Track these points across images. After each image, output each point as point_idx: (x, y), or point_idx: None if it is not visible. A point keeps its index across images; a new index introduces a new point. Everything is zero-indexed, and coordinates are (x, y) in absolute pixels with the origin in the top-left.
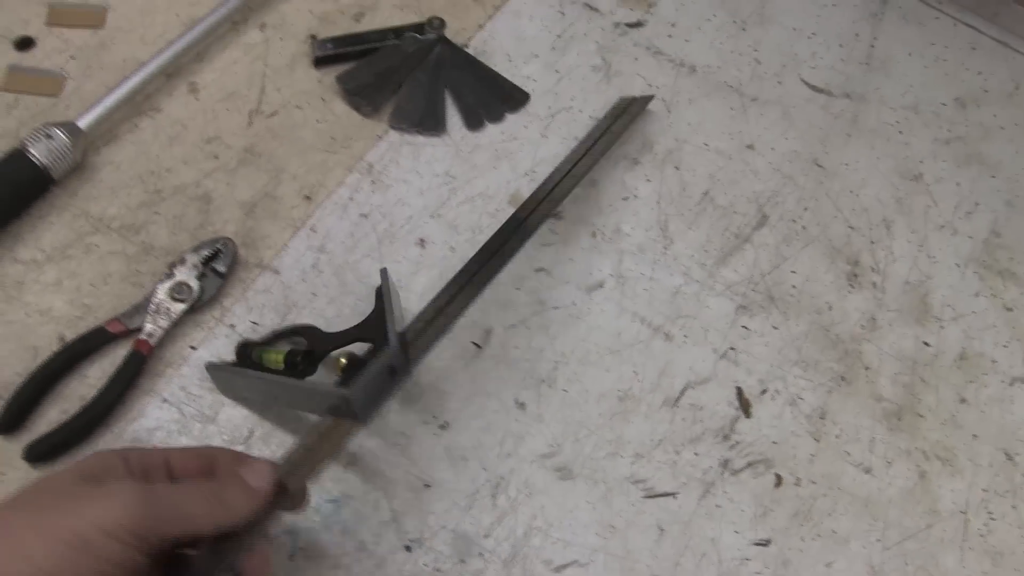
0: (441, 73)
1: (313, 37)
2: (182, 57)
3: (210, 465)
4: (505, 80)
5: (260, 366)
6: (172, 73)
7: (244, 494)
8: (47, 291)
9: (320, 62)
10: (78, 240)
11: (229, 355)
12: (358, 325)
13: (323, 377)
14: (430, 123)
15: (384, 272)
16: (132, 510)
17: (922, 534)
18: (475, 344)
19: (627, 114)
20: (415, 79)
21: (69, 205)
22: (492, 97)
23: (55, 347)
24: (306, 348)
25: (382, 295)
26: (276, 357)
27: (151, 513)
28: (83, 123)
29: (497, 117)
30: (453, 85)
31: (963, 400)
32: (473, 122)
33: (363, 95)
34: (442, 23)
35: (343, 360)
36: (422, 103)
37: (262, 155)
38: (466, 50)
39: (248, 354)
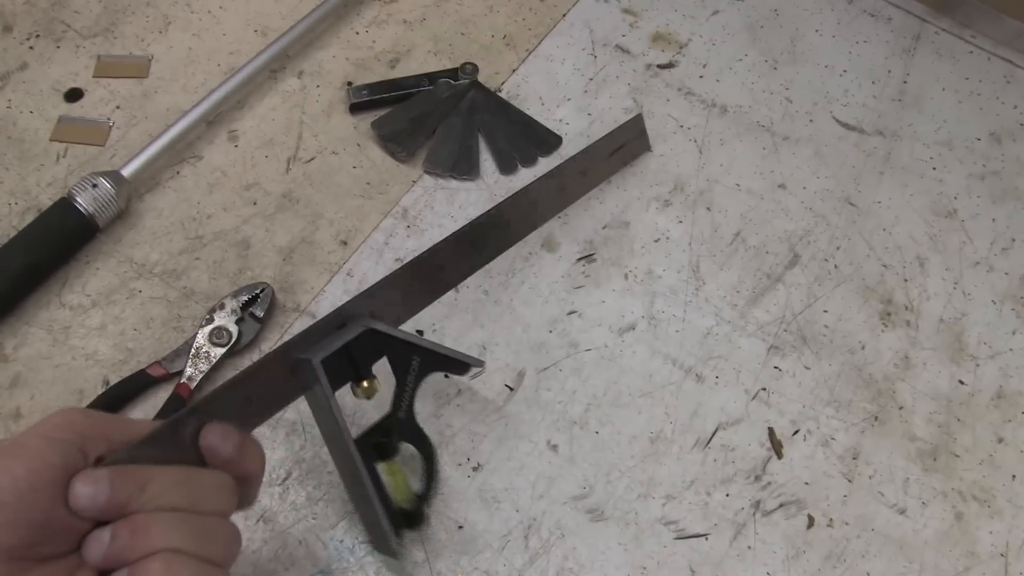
0: (474, 118)
1: (349, 84)
2: (222, 105)
3: None
4: (538, 124)
5: (374, 469)
6: (213, 121)
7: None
8: (92, 335)
9: (356, 108)
10: (122, 286)
11: None
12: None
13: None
14: (464, 167)
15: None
16: (73, 416)
17: None
18: (508, 387)
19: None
20: (449, 124)
21: (114, 251)
22: (525, 141)
23: (99, 390)
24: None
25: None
26: (401, 485)
27: (93, 421)
28: (127, 172)
29: (530, 161)
30: (486, 130)
31: (1001, 440)
32: (506, 166)
33: (398, 140)
34: (475, 68)
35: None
36: (456, 148)
37: (299, 201)
38: (499, 95)
39: (378, 444)
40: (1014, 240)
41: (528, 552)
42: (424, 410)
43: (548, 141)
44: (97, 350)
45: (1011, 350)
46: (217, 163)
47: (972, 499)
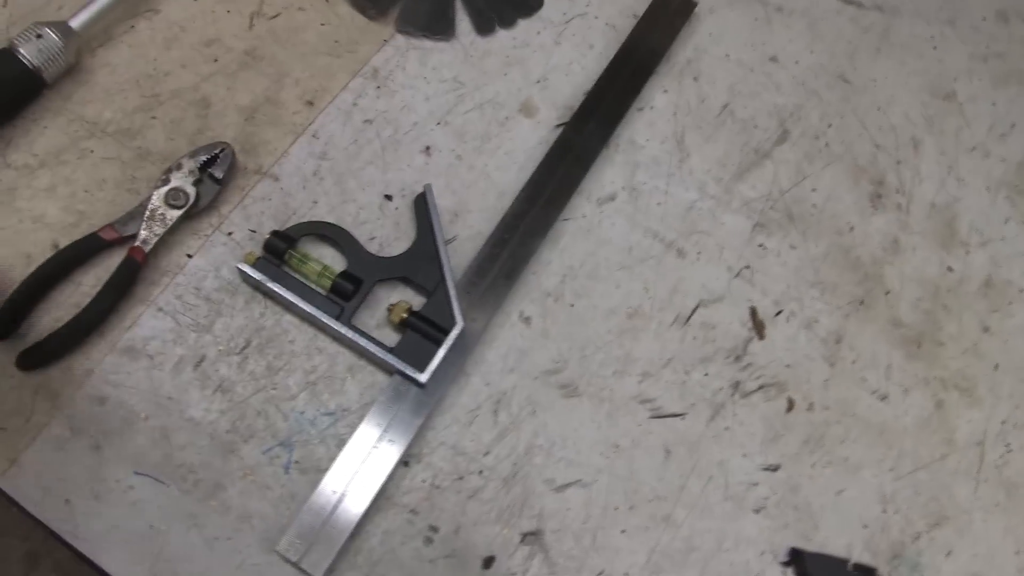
0: None
1: None
2: None
3: None
4: None
5: (296, 276)
6: None
7: None
8: (40, 197)
9: None
10: (72, 145)
11: (226, 264)
12: (406, 256)
13: (367, 317)
14: (439, 27)
15: (428, 191)
16: None
17: (936, 464)
18: (476, 253)
19: (670, 17)
20: None
21: (63, 109)
22: (504, 1)
23: (48, 254)
24: (346, 270)
25: (428, 219)
26: (320, 272)
27: None
28: (76, 23)
29: (509, 22)
30: None
31: (986, 329)
32: (484, 27)
33: None
34: None
35: (403, 315)
36: (430, 6)
37: (263, 59)
38: None
39: (280, 251)
40: (1014, 126)
41: (497, 427)
42: None
43: (528, 2)
44: (45, 212)
45: (1003, 238)
46: (175, 17)
47: (954, 388)
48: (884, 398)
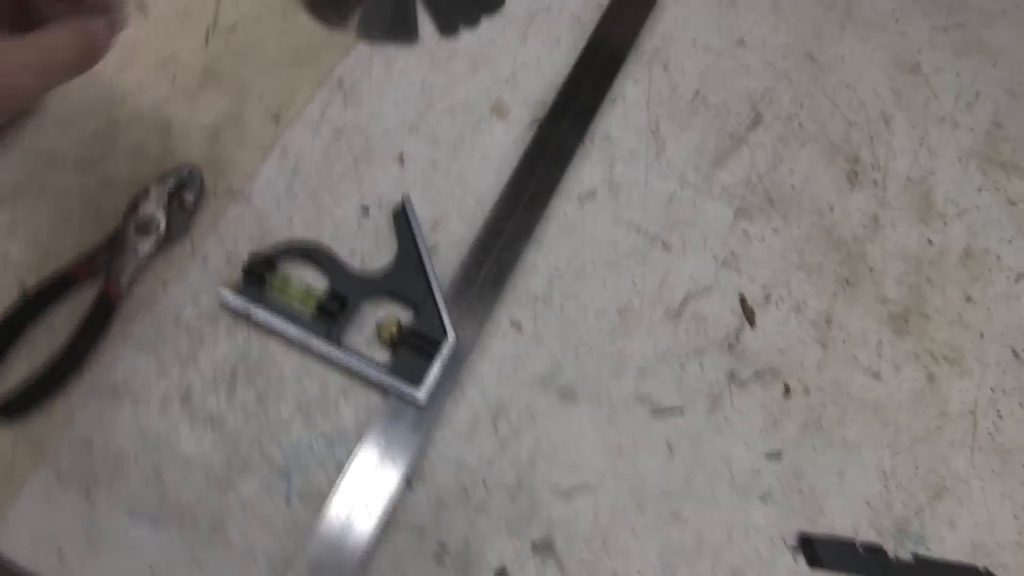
0: None
1: None
2: None
3: None
4: None
5: (279, 299)
6: None
7: None
8: (1, 236)
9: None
10: (30, 179)
11: (204, 292)
12: (390, 270)
13: (355, 335)
14: (401, 30)
15: (407, 201)
16: None
17: (932, 437)
18: (460, 261)
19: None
20: None
21: (16, 141)
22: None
23: (16, 296)
24: (330, 289)
25: (409, 231)
26: (303, 293)
27: None
28: None
29: (472, 21)
30: None
31: (969, 299)
32: (447, 27)
33: (327, 4)
34: None
35: (393, 330)
36: (391, 9)
37: (223, 75)
38: None
39: (260, 275)
40: (978, 94)
41: (498, 438)
42: None
43: None
44: (8, 252)
45: (977, 207)
46: (126, 37)
47: (943, 360)
48: (877, 375)
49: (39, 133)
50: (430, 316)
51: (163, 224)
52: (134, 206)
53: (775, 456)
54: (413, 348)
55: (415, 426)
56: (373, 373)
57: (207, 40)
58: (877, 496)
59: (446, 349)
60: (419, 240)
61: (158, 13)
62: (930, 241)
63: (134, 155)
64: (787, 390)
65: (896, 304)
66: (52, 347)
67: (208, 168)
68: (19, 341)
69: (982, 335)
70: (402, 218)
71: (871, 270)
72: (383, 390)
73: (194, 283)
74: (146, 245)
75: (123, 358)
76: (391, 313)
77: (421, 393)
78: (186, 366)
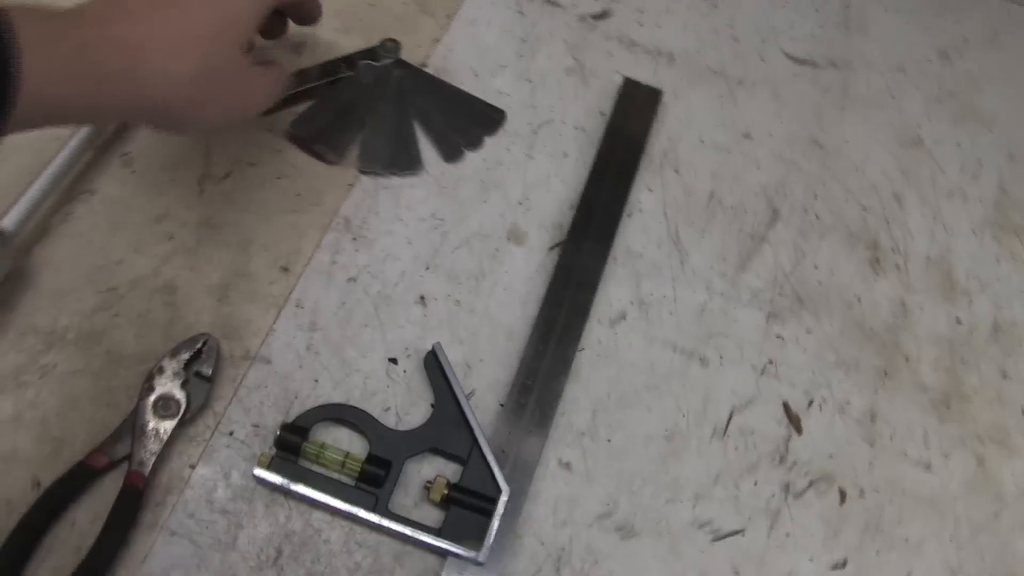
0: (405, 102)
1: None
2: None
3: None
4: (476, 99)
5: (317, 470)
6: (100, 146)
7: None
8: (6, 430)
9: (267, 109)
10: (31, 362)
11: (235, 468)
12: (429, 425)
13: (402, 497)
14: (403, 161)
15: (439, 349)
16: None
17: (992, 524)
18: (501, 405)
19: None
20: (378, 113)
21: (10, 323)
22: (466, 121)
23: (31, 495)
24: (370, 454)
25: (444, 381)
26: (343, 461)
27: None
28: (7, 223)
29: (475, 142)
30: (421, 114)
31: (1005, 375)
32: (450, 152)
33: (324, 140)
34: (396, 45)
35: (444, 491)
36: (391, 140)
37: (223, 227)
38: (426, 71)
39: (294, 446)
40: (981, 164)
41: None
42: None
43: (491, 117)
44: (16, 447)
45: (998, 279)
46: (115, 195)
47: (990, 441)
48: (928, 467)
49: (34, 312)
50: (479, 469)
51: (184, 402)
52: (149, 384)
53: (840, 566)
54: (465, 506)
55: None
56: (428, 538)
57: (201, 190)
58: None
59: (502, 504)
60: (457, 390)
61: (144, 165)
62: (959, 320)
63: (139, 325)
64: (843, 495)
65: (935, 391)
66: (78, 548)
67: (220, 331)
68: (39, 544)
69: (1023, 410)
70: (435, 366)
71: (907, 359)
72: (440, 554)
73: (223, 460)
74: (167, 425)
75: (157, 552)
76: (436, 468)
77: (482, 555)
78: (226, 552)
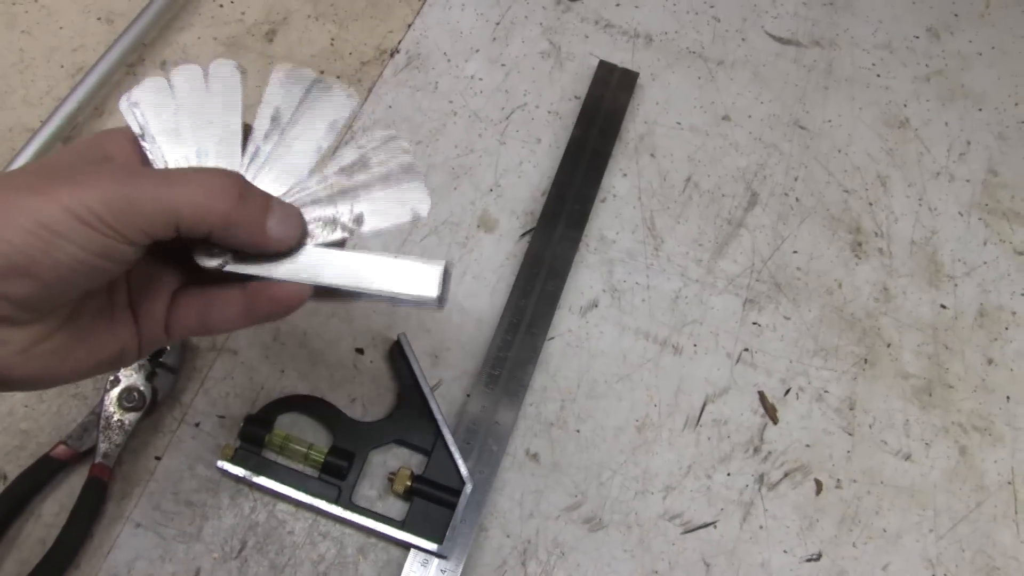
0: None
1: None
2: (77, 116)
3: None
4: None
5: (281, 461)
6: (71, 137)
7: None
8: None
9: None
10: None
11: (201, 459)
12: (394, 417)
13: (366, 489)
14: None
15: (403, 339)
16: (108, 196)
17: (973, 514)
18: (467, 395)
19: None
20: None
21: None
22: None
23: None
24: (334, 446)
25: (409, 371)
26: (306, 453)
27: (128, 202)
28: None
29: None
30: None
31: (990, 361)
32: None
33: None
34: None
35: (407, 483)
36: None
37: None
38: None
39: (258, 438)
40: (969, 143)
41: None
42: None
43: None
44: None
45: (985, 263)
46: None
47: (973, 429)
48: (908, 457)
49: None
50: (443, 461)
51: (148, 393)
52: (115, 377)
53: (815, 558)
54: (429, 498)
55: None
56: (390, 531)
57: None
58: None
59: (464, 497)
60: (421, 381)
61: None
62: (943, 306)
63: None
64: (819, 486)
65: (918, 378)
66: (43, 540)
67: None
68: (4, 537)
69: (1008, 398)
70: (399, 358)
71: (888, 345)
72: (403, 546)
73: (188, 452)
74: (133, 419)
75: (122, 544)
76: (400, 460)
77: (443, 547)
78: (191, 543)
